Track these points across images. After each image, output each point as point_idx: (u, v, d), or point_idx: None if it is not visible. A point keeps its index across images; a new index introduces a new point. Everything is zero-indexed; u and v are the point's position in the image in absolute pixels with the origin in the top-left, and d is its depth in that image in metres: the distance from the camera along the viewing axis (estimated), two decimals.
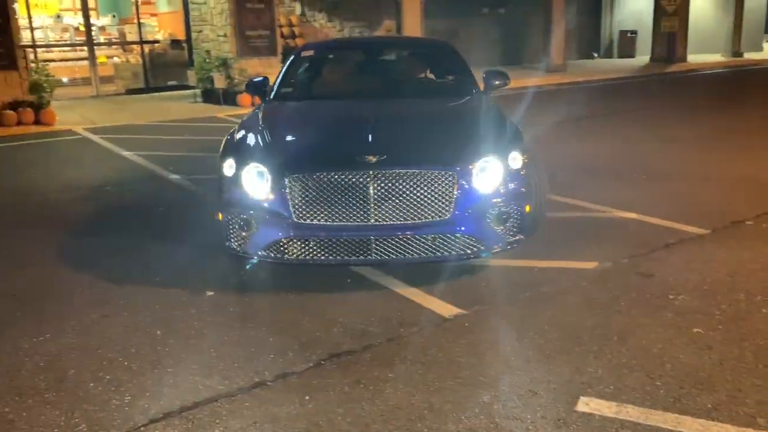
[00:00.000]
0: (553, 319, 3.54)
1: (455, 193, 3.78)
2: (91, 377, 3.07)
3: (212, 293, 3.98)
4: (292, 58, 5.74)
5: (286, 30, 16.31)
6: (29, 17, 14.61)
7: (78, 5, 16.63)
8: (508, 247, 3.97)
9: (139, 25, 15.87)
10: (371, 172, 3.74)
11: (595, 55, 24.45)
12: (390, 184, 3.74)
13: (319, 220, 3.80)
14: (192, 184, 6.76)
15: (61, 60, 16.73)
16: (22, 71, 11.33)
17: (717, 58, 23.60)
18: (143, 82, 15.78)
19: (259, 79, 5.41)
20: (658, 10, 21.82)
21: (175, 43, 16.42)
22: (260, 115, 4.72)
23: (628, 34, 24.46)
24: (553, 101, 13.19)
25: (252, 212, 3.89)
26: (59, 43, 16.98)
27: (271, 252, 3.87)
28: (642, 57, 23.58)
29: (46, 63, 13.23)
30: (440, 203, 3.78)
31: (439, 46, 6.19)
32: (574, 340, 3.30)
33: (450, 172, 3.79)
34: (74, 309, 3.81)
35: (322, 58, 6.11)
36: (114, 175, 7.31)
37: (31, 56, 13.92)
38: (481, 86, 5.24)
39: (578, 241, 4.72)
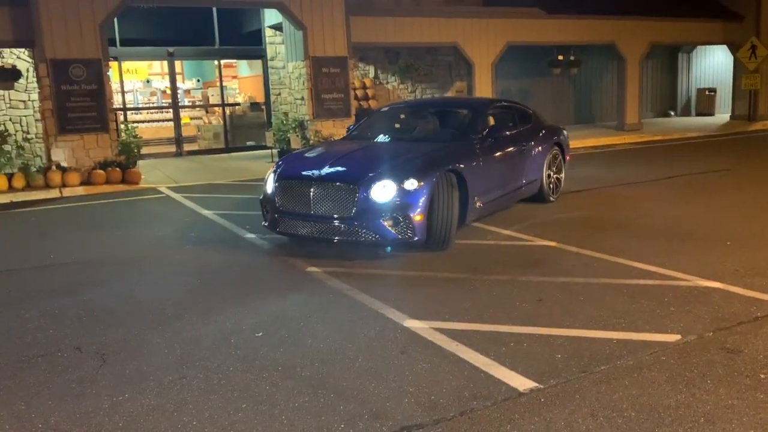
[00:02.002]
0: (632, 396, 3.39)
1: (355, 200, 6.10)
2: None
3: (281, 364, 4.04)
4: (372, 112, 8.63)
5: (360, 92, 16.82)
6: (121, 82, 15.66)
7: (166, 70, 17.74)
8: (400, 237, 6.07)
9: (222, 88, 16.72)
10: (312, 183, 6.33)
11: (672, 113, 23.91)
12: (320, 190, 6.28)
13: (286, 208, 6.49)
14: (266, 242, 6.94)
15: (149, 121, 17.77)
16: (112, 133, 12.06)
17: None
18: (223, 143, 16.50)
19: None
20: (738, 68, 21.26)
21: (254, 105, 17.18)
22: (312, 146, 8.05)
23: (707, 92, 23.87)
24: (629, 161, 12.93)
25: (266, 201, 6.76)
26: (147, 105, 18.06)
27: (269, 225, 6.68)
28: (721, 115, 22.91)
29: (135, 125, 14.06)
30: (346, 205, 6.15)
31: (473, 104, 8.51)
32: (655, 421, 3.15)
33: (352, 186, 6.16)
34: (153, 369, 3.94)
35: (389, 112, 8.78)
36: (195, 232, 7.60)
37: (121, 117, 14.83)
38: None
39: (659, 311, 4.54)
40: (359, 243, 6.19)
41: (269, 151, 14.54)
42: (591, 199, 8.98)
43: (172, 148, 16.11)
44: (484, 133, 7.49)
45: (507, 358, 3.89)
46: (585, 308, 4.67)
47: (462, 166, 6.66)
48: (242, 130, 16.80)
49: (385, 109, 8.86)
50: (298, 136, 13.50)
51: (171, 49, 15.52)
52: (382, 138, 7.85)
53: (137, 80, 18.33)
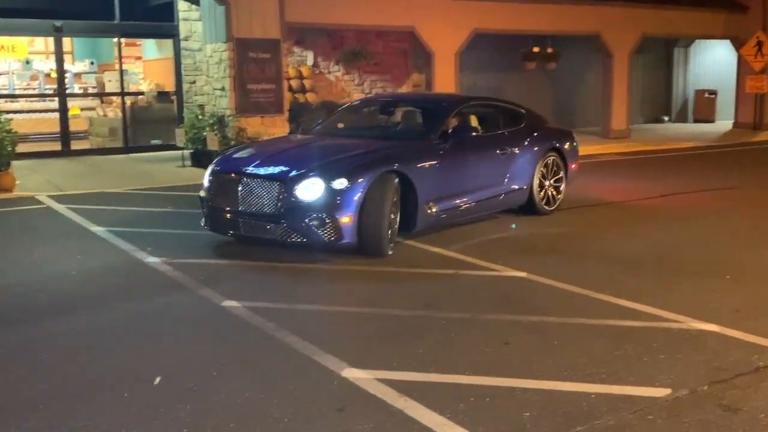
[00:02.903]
0: None
1: (281, 197, 6.95)
2: None
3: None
4: (350, 104, 10.59)
5: (295, 83, 16.83)
6: None
7: (51, 48, 17.39)
8: (326, 240, 6.91)
9: (122, 73, 16.46)
10: (241, 177, 7.27)
11: (666, 118, 24.74)
12: (248, 186, 7.18)
13: (217, 204, 7.45)
14: (173, 270, 6.85)
15: (27, 111, 17.35)
16: None
17: None
18: (122, 141, 16.22)
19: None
20: (743, 67, 22.14)
21: (162, 95, 16.98)
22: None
23: (706, 95, 24.78)
24: (615, 175, 13.30)
25: (203, 197, 7.75)
26: (26, 92, 17.63)
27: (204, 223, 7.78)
28: (723, 122, 23.80)
29: (9, 116, 13.58)
30: (272, 203, 6.99)
31: (440, 102, 9.37)
32: None
33: (278, 183, 7.03)
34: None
35: (358, 107, 10.27)
36: (81, 257, 7.43)
37: None
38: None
39: (646, 359, 4.67)
40: (286, 244, 7.05)
41: (180, 152, 14.36)
42: (569, 221, 9.19)
43: (57, 147, 15.75)
44: (448, 132, 8.15)
45: (466, 416, 3.92)
46: (560, 354, 4.75)
47: (409, 167, 7.42)
48: (146, 125, 16.58)
49: (356, 103, 10.55)
50: (216, 135, 13.38)
51: (58, 23, 15.21)
52: (335, 135, 8.75)
53: (14, 60, 17.87)
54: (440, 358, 4.71)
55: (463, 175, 8.25)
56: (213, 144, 13.26)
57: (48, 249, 7.77)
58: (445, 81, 16.83)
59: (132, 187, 11.82)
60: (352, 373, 4.48)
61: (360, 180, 6.99)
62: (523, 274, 6.63)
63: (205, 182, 7.69)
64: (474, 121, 9.00)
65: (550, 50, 19.31)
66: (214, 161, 7.99)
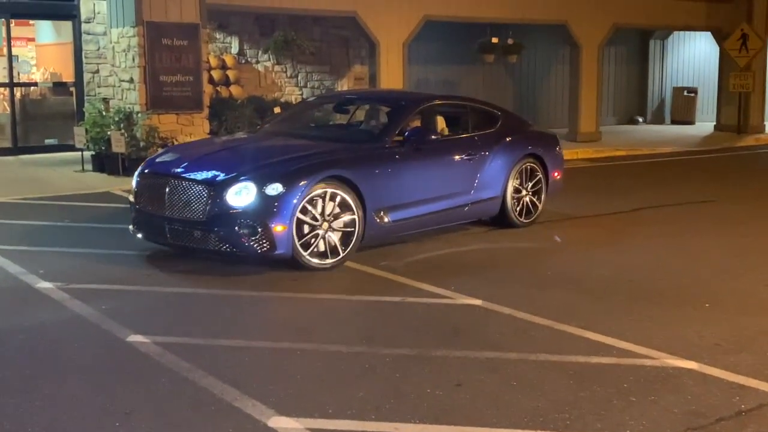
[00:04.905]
0: None
1: (209, 202, 7.21)
2: None
3: None
4: (303, 101, 11.42)
5: (217, 74, 16.71)
6: None
7: None
8: (258, 250, 7.19)
9: (10, 59, 16.10)
10: (168, 179, 7.58)
11: (640, 119, 25.29)
12: (175, 189, 7.47)
13: (144, 208, 7.82)
14: (70, 297, 6.72)
15: None
16: None
17: None
18: (10, 140, 15.89)
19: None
20: (726, 63, 22.78)
21: (59, 86, 16.67)
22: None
23: (685, 93, 25.42)
24: (582, 185, 13.53)
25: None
26: None
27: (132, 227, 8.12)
28: (703, 124, 24.46)
29: None
30: (200, 208, 7.25)
31: (399, 100, 9.47)
32: None
33: (207, 187, 7.28)
34: None
35: (313, 104, 11.19)
36: None
37: None
38: None
39: (615, 401, 4.75)
40: (214, 253, 7.41)
41: (79, 154, 14.10)
42: (527, 238, 9.33)
43: None
44: (404, 135, 8.43)
45: None
46: (518, 397, 4.80)
47: (355, 172, 7.69)
48: (40, 122, 16.29)
49: (310, 100, 11.11)
50: (123, 134, 13.18)
51: None
52: (281, 135, 9.07)
53: None
54: (383, 404, 4.71)
55: (421, 182, 8.44)
56: (119, 145, 13.06)
57: None
58: (392, 74, 16.92)
59: (22, 195, 11.59)
60: (279, 422, 4.45)
61: (297, 185, 7.27)
62: (477, 302, 6.70)
63: (133, 184, 8.07)
64: (439, 123, 9.17)
65: (510, 41, 19.56)
66: (146, 160, 8.34)
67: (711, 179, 14.62)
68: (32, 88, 16.82)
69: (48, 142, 16.13)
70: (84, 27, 15.88)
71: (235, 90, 16.97)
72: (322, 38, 18.24)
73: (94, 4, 15.69)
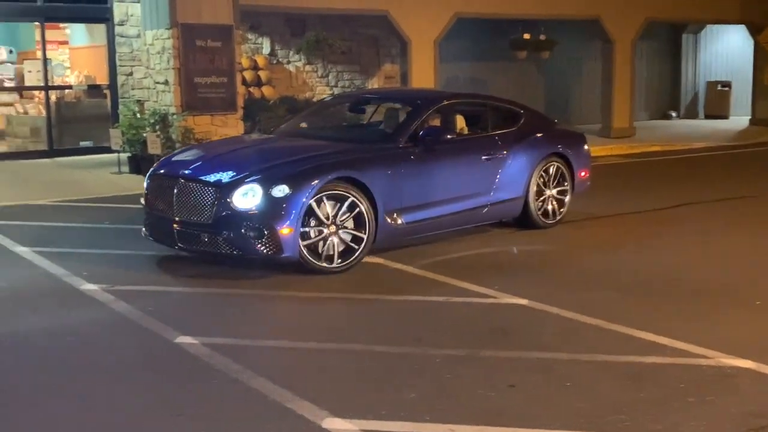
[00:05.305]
0: None
1: (216, 204, 7.17)
2: None
3: None
4: (321, 101, 11.45)
5: (249, 75, 16.76)
6: None
7: None
8: (265, 253, 7.13)
9: (45, 62, 16.26)
10: (176, 181, 7.56)
11: (674, 114, 25.08)
12: (183, 191, 7.46)
13: (154, 209, 7.84)
14: (115, 298, 6.75)
15: None
16: None
17: None
18: (46, 143, 16.01)
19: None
20: (760, 56, 22.51)
21: (93, 89, 16.78)
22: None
23: (719, 87, 25.16)
24: (619, 181, 13.42)
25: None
26: None
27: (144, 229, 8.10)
28: (738, 118, 24.18)
29: None
30: (207, 210, 7.21)
31: (415, 99, 9.25)
32: None
33: (213, 188, 7.27)
34: None
35: (331, 103, 11.01)
36: (5, 281, 7.30)
37: None
38: None
39: (674, 403, 4.69)
40: (221, 256, 7.41)
41: (115, 156, 14.20)
42: (570, 235, 9.26)
43: None
44: (419, 135, 8.26)
45: None
46: (573, 398, 4.76)
47: (366, 173, 7.58)
48: (75, 124, 16.40)
49: (327, 100, 11.04)
50: (159, 136, 13.24)
51: None
52: (295, 136, 9.05)
53: None
54: (436, 405, 4.68)
55: (436, 183, 8.32)
56: (155, 147, 13.11)
57: None
58: (423, 72, 16.89)
59: (60, 198, 11.66)
60: (334, 424, 4.44)
61: (304, 187, 7.19)
62: (523, 302, 6.64)
63: (144, 186, 8.10)
64: (458, 122, 9.07)
65: (543, 38, 19.45)
66: (157, 162, 8.30)
67: (749, 174, 14.42)
68: (67, 91, 16.94)
69: (83, 144, 16.24)
70: (117, 30, 15.99)
71: (267, 90, 17.03)
72: (352, 37, 18.26)
73: (127, 7, 15.80)
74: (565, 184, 9.48)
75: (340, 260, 7.43)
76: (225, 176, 7.40)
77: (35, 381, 5.12)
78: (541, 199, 9.24)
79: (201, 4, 13.74)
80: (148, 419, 4.55)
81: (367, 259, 8.02)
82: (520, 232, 9.24)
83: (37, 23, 16.27)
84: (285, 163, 7.61)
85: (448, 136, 8.65)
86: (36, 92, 16.92)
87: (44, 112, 16.20)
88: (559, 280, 7.43)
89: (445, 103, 9.18)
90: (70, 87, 17.06)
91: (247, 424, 4.48)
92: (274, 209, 7.11)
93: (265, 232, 7.08)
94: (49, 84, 16.31)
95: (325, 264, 7.37)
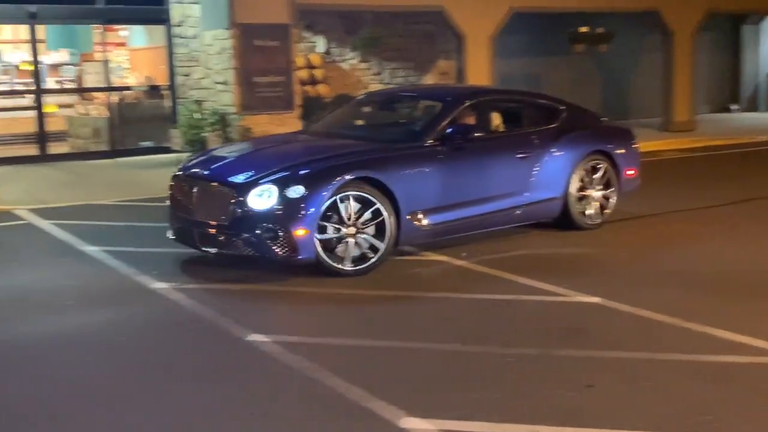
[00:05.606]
0: None
1: (232, 205, 7.13)
2: None
3: None
4: (357, 98, 10.66)
5: (304, 73, 16.79)
6: None
7: (22, 36, 17.35)
8: (280, 254, 7.06)
9: (106, 64, 16.49)
10: (196, 181, 7.62)
11: (734, 107, 24.60)
12: (202, 191, 7.52)
13: (177, 210, 7.88)
14: (184, 295, 6.81)
15: None
16: None
17: None
18: (107, 143, 16.23)
19: None
20: None
21: (153, 90, 16.98)
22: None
23: None
24: (682, 176, 13.19)
25: None
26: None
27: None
28: None
29: None
30: (223, 211, 7.19)
31: (444, 96, 9.00)
32: None
33: (229, 189, 7.24)
34: None
35: (362, 102, 10.08)
36: (75, 280, 7.41)
37: None
38: None
39: (761, 403, 4.57)
40: (239, 257, 7.35)
41: (176, 155, 14.34)
42: (635, 232, 9.13)
43: (33, 150, 15.78)
44: (446, 132, 8.05)
45: None
46: (654, 399, 4.67)
47: (386, 173, 7.43)
48: (135, 125, 16.56)
49: (361, 97, 10.50)
50: (219, 136, 13.37)
51: (33, 8, 15.25)
52: (323, 135, 8.94)
53: None
54: (514, 405, 4.63)
55: (465, 183, 8.08)
56: (214, 146, 13.24)
57: (34, 273, 7.75)
58: (479, 68, 16.79)
59: (123, 198, 11.81)
60: (412, 424, 4.41)
61: (320, 188, 7.11)
62: (596, 300, 6.55)
63: (169, 187, 8.14)
64: (493, 119, 8.81)
65: (601, 31, 19.21)
66: (182, 163, 8.37)
67: None
68: (127, 92, 17.15)
69: (143, 144, 16.43)
70: (175, 31, 16.16)
71: (322, 89, 17.06)
72: (406, 34, 18.21)
73: (184, 8, 15.95)
74: (610, 183, 9.07)
75: (356, 264, 7.29)
76: (242, 177, 7.37)
77: (111, 380, 5.18)
78: (583, 199, 8.89)
79: (259, 3, 13.84)
80: (224, 417, 4.57)
81: (428, 255, 8.02)
82: (568, 233, 8.84)
83: (97, 25, 16.52)
84: (303, 163, 7.51)
85: (477, 134, 8.41)
86: (97, 94, 17.16)
87: (105, 113, 16.43)
88: (628, 278, 7.28)
89: (477, 100, 8.88)
90: (129, 88, 17.28)
91: (326, 423, 4.48)
92: (289, 210, 7.04)
93: (281, 234, 7.02)
94: (110, 85, 16.55)
95: (342, 266, 7.24)
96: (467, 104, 8.66)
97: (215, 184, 7.49)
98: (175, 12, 16.10)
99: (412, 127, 8.76)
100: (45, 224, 10.01)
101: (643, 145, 16.80)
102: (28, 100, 16.30)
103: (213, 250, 7.44)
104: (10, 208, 11.13)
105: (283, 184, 7.12)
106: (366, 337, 5.88)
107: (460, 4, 16.35)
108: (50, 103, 17.00)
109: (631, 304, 6.39)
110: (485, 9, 16.60)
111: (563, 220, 8.86)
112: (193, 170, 7.94)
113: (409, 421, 4.44)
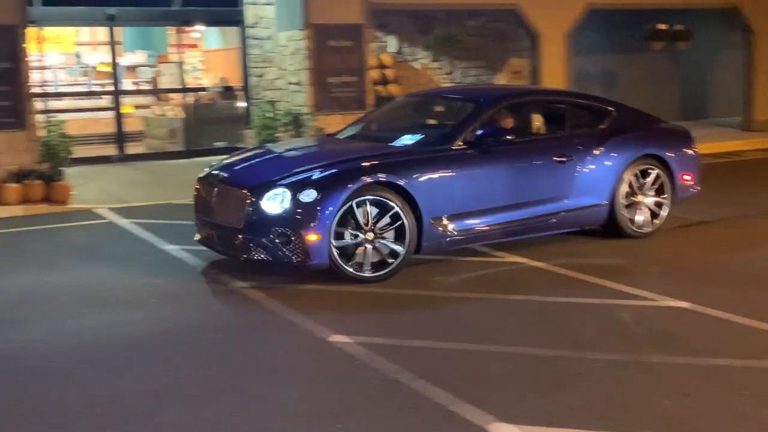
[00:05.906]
0: None
1: (246, 208, 7.08)
2: None
3: None
4: (396, 99, 10.62)
5: (376, 73, 16.78)
6: (39, 55, 15.61)
7: (100, 38, 17.71)
8: (293, 259, 6.97)
9: (181, 66, 16.72)
10: (215, 184, 7.61)
11: None
12: (220, 194, 7.49)
13: (199, 212, 7.89)
14: (267, 296, 6.84)
15: (75, 110, 17.73)
16: (31, 130, 11.97)
17: None
18: (183, 143, 16.44)
19: None
20: None
21: (227, 91, 17.16)
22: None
23: None
24: (757, 179, 12.81)
25: None
26: (73, 89, 18.05)
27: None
28: None
29: (56, 117, 13.87)
30: (238, 214, 7.15)
31: (476, 97, 8.71)
32: None
33: (244, 192, 7.20)
34: None
35: (399, 106, 10.01)
36: (159, 278, 7.52)
37: (39, 105, 14.64)
38: None
39: None
40: (255, 261, 7.21)
41: None
42: (718, 235, 8.89)
43: (110, 150, 16.06)
44: (476, 135, 7.83)
45: None
46: (756, 408, 4.51)
47: (407, 177, 7.25)
48: (210, 125, 16.73)
49: (401, 98, 10.40)
50: (292, 136, 13.43)
51: (112, 11, 15.52)
52: (354, 137, 8.83)
53: (60, 53, 18.33)
54: (606, 412, 4.51)
55: (496, 187, 7.81)
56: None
57: (117, 271, 7.85)
58: (554, 66, 16.54)
59: None
60: (500, 429, 4.34)
61: (334, 192, 6.97)
62: (685, 305, 6.37)
63: (193, 189, 8.11)
64: (533, 120, 8.50)
65: (680, 28, 18.79)
66: (210, 166, 8.35)
67: None
68: (201, 93, 17.37)
69: (218, 145, 16.59)
70: (248, 32, 16.27)
71: (393, 89, 17.01)
72: (478, 32, 18.04)
73: (257, 10, 16.06)
74: (663, 189, 8.60)
75: (376, 270, 7.14)
76: (258, 180, 7.35)
77: (201, 379, 5.21)
78: (632, 205, 8.44)
79: (333, 4, 13.83)
80: (307, 418, 4.54)
81: (506, 257, 7.91)
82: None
83: (172, 27, 16.76)
84: (319, 166, 7.38)
85: (511, 137, 8.09)
86: (173, 95, 17.42)
87: (180, 114, 16.66)
88: (714, 281, 7.07)
89: (513, 101, 8.57)
90: (204, 89, 17.49)
91: (412, 426, 4.43)
92: (302, 214, 6.93)
93: (293, 239, 6.93)
94: (185, 86, 16.78)
95: (360, 272, 7.09)
96: (501, 106, 8.33)
97: (232, 187, 7.47)
98: (249, 13, 16.22)
99: (441, 130, 8.45)
100: (125, 223, 10.17)
101: (723, 145, 16.53)
102: (106, 101, 16.61)
103: (232, 253, 7.42)
104: (91, 207, 11.34)
105: (296, 188, 7.04)
106: (447, 340, 5.81)
107: (535, 2, 16.11)
108: (127, 104, 17.32)
109: (724, 309, 6.20)
110: (561, 6, 16.34)
111: (610, 227, 8.43)
112: (214, 172, 7.92)
113: (498, 427, 4.36)
